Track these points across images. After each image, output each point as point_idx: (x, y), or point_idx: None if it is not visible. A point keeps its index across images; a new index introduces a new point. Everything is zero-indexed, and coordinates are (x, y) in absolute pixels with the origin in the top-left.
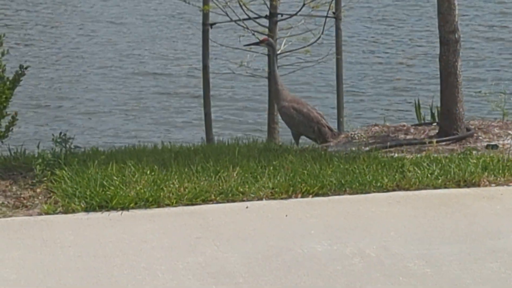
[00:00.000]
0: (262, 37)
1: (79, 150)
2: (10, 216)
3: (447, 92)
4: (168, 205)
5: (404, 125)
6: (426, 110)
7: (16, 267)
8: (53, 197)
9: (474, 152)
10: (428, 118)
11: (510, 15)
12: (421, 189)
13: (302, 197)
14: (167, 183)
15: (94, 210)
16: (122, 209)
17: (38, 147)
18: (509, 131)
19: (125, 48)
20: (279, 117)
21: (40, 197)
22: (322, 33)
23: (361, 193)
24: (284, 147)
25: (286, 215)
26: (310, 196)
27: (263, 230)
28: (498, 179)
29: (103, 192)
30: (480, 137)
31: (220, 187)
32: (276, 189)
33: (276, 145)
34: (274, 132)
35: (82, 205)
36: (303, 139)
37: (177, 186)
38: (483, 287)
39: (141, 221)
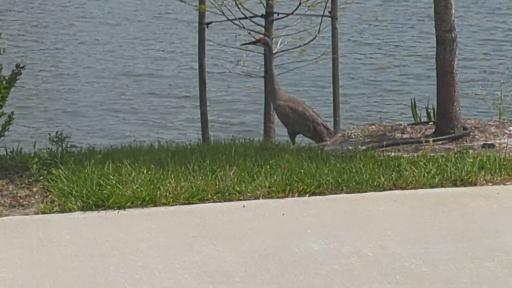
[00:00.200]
0: (258, 37)
1: (76, 149)
2: (7, 215)
3: (443, 91)
4: (164, 204)
5: (400, 124)
6: (422, 109)
7: (12, 267)
8: (49, 196)
9: (470, 151)
10: (425, 117)
11: (502, 16)
12: (418, 188)
13: (299, 196)
14: (163, 182)
15: (90, 209)
16: (119, 208)
17: (34, 146)
18: (506, 130)
19: (116, 48)
20: (275, 116)
21: (36, 196)
22: (318, 32)
23: (358, 192)
24: (281, 146)
25: (283, 214)
26: (307, 195)
27: (259, 229)
28: (495, 178)
29: (99, 191)
30: (477, 136)
31: (217, 186)
32: (273, 188)
33: (273, 144)
34: (270, 131)
35: (79, 204)
36: (300, 138)
37: (173, 185)
38: (480, 286)
39: (138, 220)
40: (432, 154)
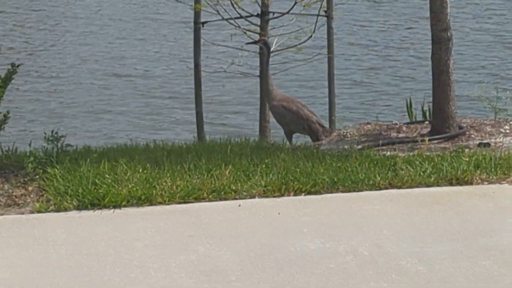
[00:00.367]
0: (259, 37)
1: (71, 148)
2: (2, 214)
3: (439, 91)
4: (160, 203)
5: (396, 124)
6: (418, 109)
7: (8, 266)
8: (45, 195)
9: (466, 150)
10: (420, 117)
11: (497, 16)
12: (414, 187)
13: (294, 195)
14: (159, 181)
15: (86, 208)
16: (114, 207)
17: (29, 145)
18: (501, 129)
19: (106, 48)
20: (271, 116)
21: (32, 196)
22: (314, 31)
23: (354, 191)
24: (276, 145)
25: (279, 213)
26: (303, 194)
27: (255, 228)
28: (491, 177)
29: (95, 190)
30: (472, 135)
31: (213, 185)
32: (269, 187)
33: (268, 143)
34: (266, 131)
35: (74, 203)
36: (296, 137)
37: (169, 184)
38: (475, 285)
39: (134, 219)
40: (428, 153)
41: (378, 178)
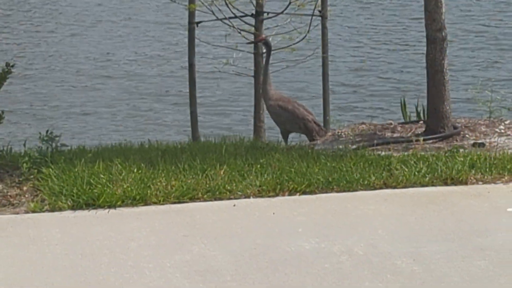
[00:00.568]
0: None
1: (66, 148)
2: None
3: (433, 90)
4: (155, 203)
5: (391, 123)
6: (412, 109)
7: (3, 266)
8: (39, 195)
9: (461, 150)
10: (414, 116)
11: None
12: (408, 187)
13: (289, 195)
14: (154, 181)
15: (81, 208)
16: (109, 207)
17: (24, 145)
18: (496, 129)
19: (99, 48)
20: (265, 115)
21: (26, 195)
22: (308, 31)
23: (349, 191)
24: (271, 145)
25: (274, 213)
26: (298, 194)
27: (250, 228)
28: (485, 177)
29: (90, 190)
30: (467, 135)
31: (207, 185)
32: (263, 187)
33: (263, 143)
34: (260, 131)
35: (69, 203)
36: (291, 136)
37: (164, 184)
38: (470, 285)
39: (128, 219)
40: (423, 153)
41: (373, 178)
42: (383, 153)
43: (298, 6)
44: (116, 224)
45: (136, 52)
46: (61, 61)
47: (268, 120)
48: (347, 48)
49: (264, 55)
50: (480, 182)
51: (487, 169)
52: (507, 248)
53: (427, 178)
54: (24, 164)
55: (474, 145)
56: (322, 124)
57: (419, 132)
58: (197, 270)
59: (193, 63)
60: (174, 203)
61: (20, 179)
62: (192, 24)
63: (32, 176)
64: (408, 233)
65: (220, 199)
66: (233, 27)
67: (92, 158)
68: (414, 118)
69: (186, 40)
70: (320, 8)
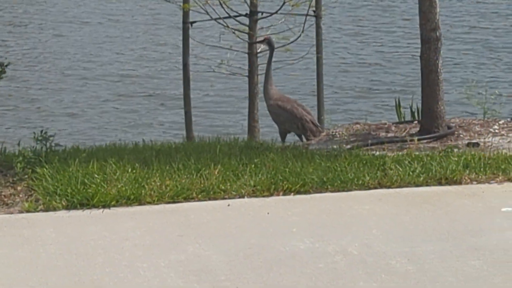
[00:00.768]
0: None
1: (60, 148)
2: None
3: (428, 90)
4: (149, 202)
5: (385, 123)
6: (406, 109)
7: None
8: (34, 195)
9: (455, 150)
10: (409, 116)
11: (488, 17)
12: (403, 186)
13: (283, 195)
14: (148, 180)
15: (75, 208)
16: (104, 207)
17: (18, 145)
18: (490, 129)
19: (92, 49)
20: (259, 115)
21: (21, 195)
22: (303, 31)
23: (343, 190)
24: (265, 145)
25: (268, 213)
26: (292, 194)
27: (244, 228)
28: (480, 177)
29: (84, 190)
30: (461, 135)
31: (202, 185)
32: (258, 187)
33: (257, 143)
34: (255, 131)
35: (63, 203)
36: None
37: (158, 184)
38: (465, 285)
39: (123, 219)
40: (417, 153)
41: (367, 178)
42: (378, 153)
43: (293, 6)
44: (110, 224)
45: (126, 52)
46: (49, 62)
47: (262, 121)
48: (341, 48)
49: (259, 55)
50: (475, 182)
51: (482, 169)
52: (501, 248)
53: (422, 178)
54: (18, 164)
55: (468, 145)
56: (322, 126)
57: (414, 132)
58: (192, 270)
59: (187, 62)
60: (169, 203)
61: (14, 179)
62: (186, 24)
63: (26, 176)
64: (402, 233)
65: (215, 199)
66: (227, 27)
67: (86, 158)
68: (408, 118)
69: (174, 40)
70: (314, 8)
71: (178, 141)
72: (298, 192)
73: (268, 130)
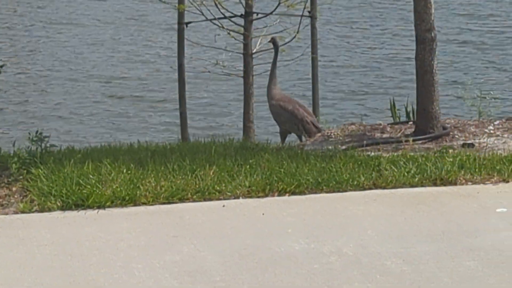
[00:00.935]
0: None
1: (55, 149)
2: None
3: (423, 91)
4: (144, 203)
5: (380, 124)
6: (402, 109)
7: None
8: (29, 195)
9: (450, 150)
10: (404, 117)
11: (481, 18)
12: (398, 187)
13: (279, 195)
14: (143, 181)
15: (70, 208)
16: (99, 207)
17: (13, 145)
18: (485, 130)
19: (84, 50)
20: (255, 116)
21: (16, 196)
22: (298, 32)
23: (338, 191)
24: (260, 145)
25: (263, 214)
26: (287, 194)
27: (240, 229)
28: (475, 177)
29: (79, 191)
30: (456, 136)
31: (197, 186)
32: (253, 188)
33: (253, 144)
34: (250, 131)
35: (58, 204)
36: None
37: (153, 184)
38: (460, 285)
39: (118, 219)
40: (412, 154)
41: (363, 179)
42: (373, 153)
43: (288, 6)
44: (105, 224)
45: (117, 54)
46: (40, 63)
47: (258, 121)
48: (335, 48)
49: (254, 55)
50: (470, 183)
51: (477, 170)
52: (496, 249)
53: (417, 179)
54: (14, 165)
55: (463, 145)
56: (320, 126)
57: (409, 133)
58: (187, 270)
59: (182, 63)
60: (164, 203)
61: (9, 179)
62: (181, 25)
63: (21, 177)
64: (397, 233)
65: (210, 199)
66: (222, 27)
67: (81, 159)
68: (403, 119)
69: (166, 41)
70: (309, 9)
71: (172, 141)
72: (293, 193)
73: (263, 131)
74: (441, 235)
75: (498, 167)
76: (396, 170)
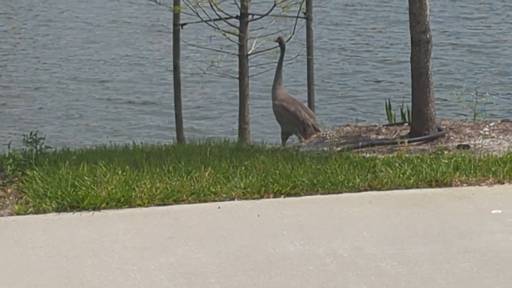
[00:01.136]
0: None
1: (50, 151)
2: None
3: (418, 92)
4: (139, 205)
5: (375, 125)
6: (397, 111)
7: None
8: (24, 197)
9: (445, 152)
10: (399, 118)
11: (475, 21)
12: (393, 189)
13: (274, 197)
14: (138, 183)
15: (65, 210)
16: (94, 209)
17: (9, 147)
18: (480, 131)
19: (76, 53)
20: (250, 118)
21: (11, 198)
22: (293, 33)
23: (333, 193)
24: (256, 147)
25: (258, 215)
26: (282, 196)
27: (235, 230)
28: (470, 179)
29: (74, 192)
30: (452, 137)
31: (192, 187)
32: (248, 189)
33: (248, 145)
34: (245, 133)
35: (53, 206)
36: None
37: (148, 186)
38: (455, 287)
39: (113, 221)
40: (407, 155)
41: (358, 180)
42: (368, 155)
43: (283, 8)
44: (100, 226)
45: (113, 55)
46: (35, 64)
47: (253, 122)
48: (331, 50)
49: (249, 57)
50: (465, 184)
51: (472, 171)
52: (491, 250)
53: (412, 180)
54: (9, 166)
55: (458, 147)
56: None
57: (404, 134)
58: (182, 272)
59: (177, 64)
60: (159, 205)
61: (4, 181)
62: (176, 26)
63: (16, 178)
64: (392, 235)
65: (205, 201)
66: (218, 29)
67: (77, 160)
68: (399, 120)
69: (160, 44)
70: (305, 10)
71: (166, 143)
72: (288, 195)
73: (259, 132)
74: (436, 236)
75: (493, 169)
76: (391, 171)
